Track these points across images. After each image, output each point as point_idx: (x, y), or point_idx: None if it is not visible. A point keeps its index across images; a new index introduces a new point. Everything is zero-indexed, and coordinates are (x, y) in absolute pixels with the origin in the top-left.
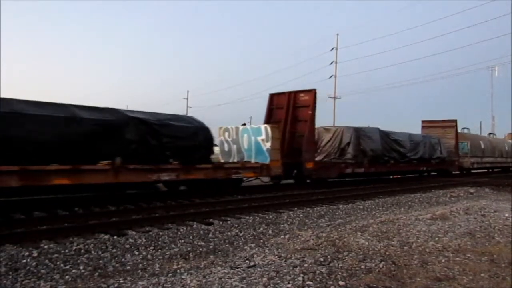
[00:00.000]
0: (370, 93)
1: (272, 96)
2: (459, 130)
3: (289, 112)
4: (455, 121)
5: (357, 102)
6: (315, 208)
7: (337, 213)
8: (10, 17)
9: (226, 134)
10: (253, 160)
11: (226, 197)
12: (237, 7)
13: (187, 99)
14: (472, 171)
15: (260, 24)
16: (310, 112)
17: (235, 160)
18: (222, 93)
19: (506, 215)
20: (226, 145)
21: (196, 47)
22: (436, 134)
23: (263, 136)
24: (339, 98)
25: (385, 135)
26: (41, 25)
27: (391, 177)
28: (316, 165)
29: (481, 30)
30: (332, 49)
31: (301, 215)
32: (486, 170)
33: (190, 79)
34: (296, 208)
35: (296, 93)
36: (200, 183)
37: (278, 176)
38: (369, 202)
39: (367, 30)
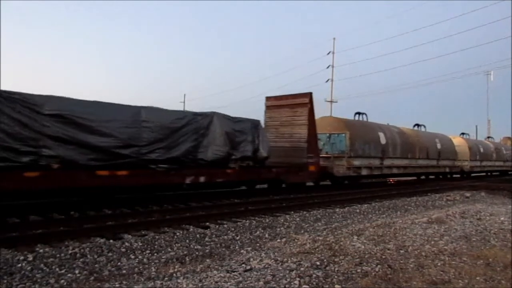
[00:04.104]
0: (367, 96)
1: None
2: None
3: None
4: (309, 95)
5: (354, 105)
6: (311, 212)
7: (333, 217)
8: (10, 17)
9: None
10: None
11: (222, 201)
12: (234, 10)
13: (184, 102)
14: (363, 180)
15: (256, 28)
16: None
17: None
18: (219, 96)
19: (502, 218)
20: None
21: (194, 48)
22: (286, 118)
23: None
24: (336, 102)
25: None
26: (41, 25)
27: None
28: None
29: (477, 34)
30: (329, 53)
31: (298, 219)
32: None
33: (189, 82)
34: (292, 212)
35: None
36: None
37: None
38: (366, 205)
39: (365, 33)
